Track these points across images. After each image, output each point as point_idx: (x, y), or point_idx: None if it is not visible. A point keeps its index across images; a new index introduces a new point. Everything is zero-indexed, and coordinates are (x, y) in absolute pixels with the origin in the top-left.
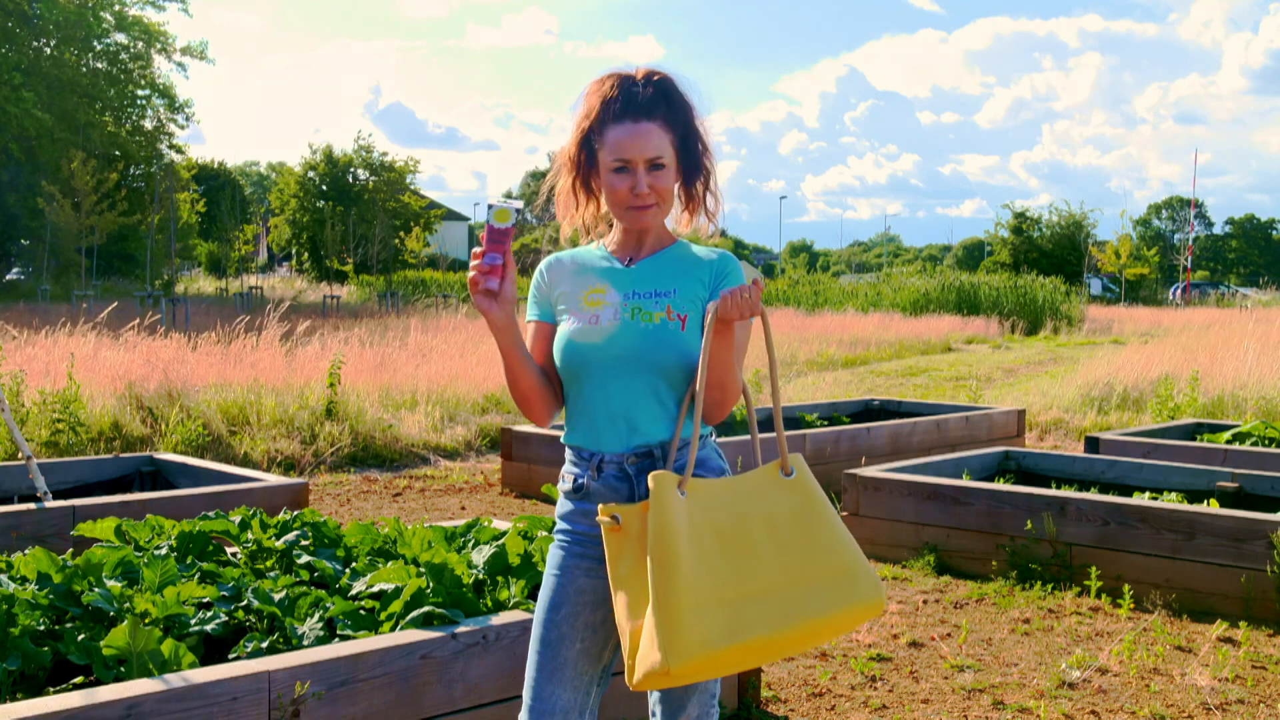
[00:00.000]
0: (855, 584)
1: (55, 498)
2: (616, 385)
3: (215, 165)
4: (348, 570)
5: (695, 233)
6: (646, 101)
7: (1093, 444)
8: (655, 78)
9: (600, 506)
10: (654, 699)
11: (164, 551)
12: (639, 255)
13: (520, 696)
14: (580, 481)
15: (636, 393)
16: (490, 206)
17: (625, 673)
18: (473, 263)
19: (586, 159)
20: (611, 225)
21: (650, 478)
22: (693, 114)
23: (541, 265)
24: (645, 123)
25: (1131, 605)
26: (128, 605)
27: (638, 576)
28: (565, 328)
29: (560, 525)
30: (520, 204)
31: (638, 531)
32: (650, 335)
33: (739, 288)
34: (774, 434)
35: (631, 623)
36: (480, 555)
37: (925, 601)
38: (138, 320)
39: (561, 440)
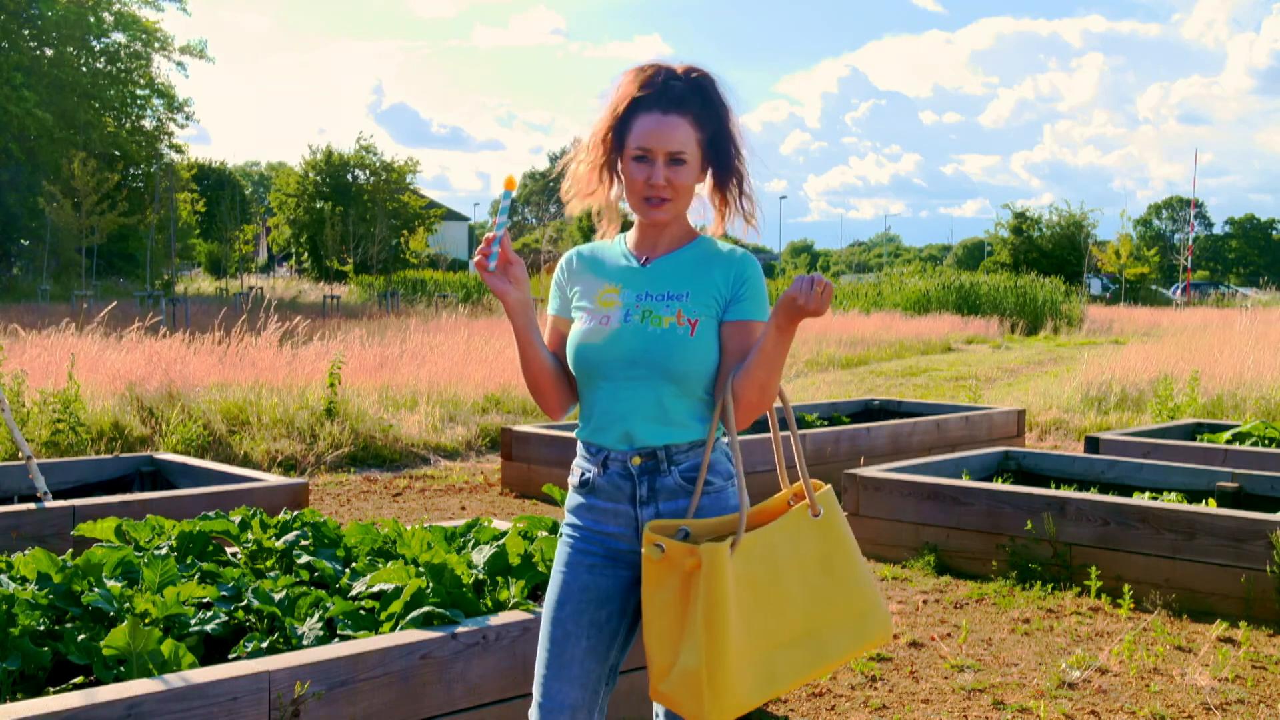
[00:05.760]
0: (867, 623)
1: (55, 498)
2: (621, 389)
3: (215, 165)
4: (348, 570)
5: (728, 236)
6: (680, 95)
7: (1093, 444)
8: (695, 74)
9: (645, 533)
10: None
11: (164, 551)
12: (655, 253)
13: (524, 695)
14: (587, 477)
15: (639, 398)
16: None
17: (650, 691)
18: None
19: (615, 140)
20: (630, 225)
21: (702, 550)
22: (728, 116)
23: (563, 260)
24: (674, 115)
25: (1131, 605)
26: (128, 605)
27: (674, 609)
28: (578, 326)
29: (568, 519)
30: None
31: (680, 569)
32: (658, 340)
33: (819, 281)
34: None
35: (661, 654)
36: (480, 555)
37: (925, 601)
38: (138, 320)
39: (574, 435)
